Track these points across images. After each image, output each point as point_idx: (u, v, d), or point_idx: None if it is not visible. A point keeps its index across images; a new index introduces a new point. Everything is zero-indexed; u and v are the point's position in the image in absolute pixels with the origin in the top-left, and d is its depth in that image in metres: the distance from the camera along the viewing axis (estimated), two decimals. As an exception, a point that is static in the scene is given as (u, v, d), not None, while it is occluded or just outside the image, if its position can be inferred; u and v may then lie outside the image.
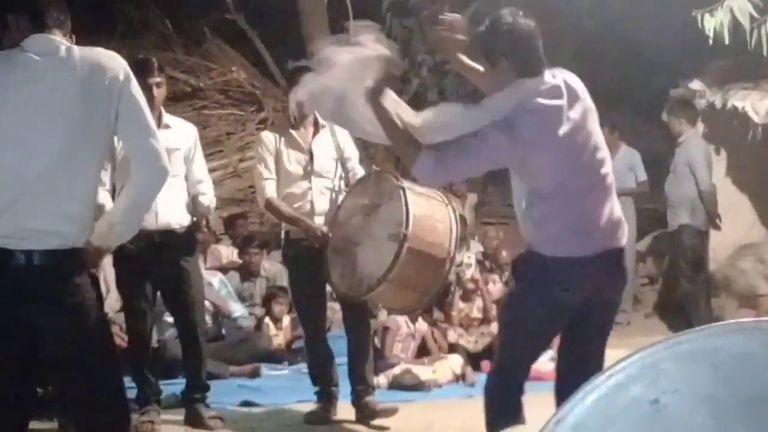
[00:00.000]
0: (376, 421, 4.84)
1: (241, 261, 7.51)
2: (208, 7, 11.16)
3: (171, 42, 11.34)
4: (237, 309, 6.94)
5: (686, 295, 7.34)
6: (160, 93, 4.66)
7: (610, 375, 1.26)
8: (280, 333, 7.06)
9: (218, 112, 10.62)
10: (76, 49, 2.77)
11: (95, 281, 2.88)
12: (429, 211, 4.38)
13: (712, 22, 5.07)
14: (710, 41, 5.15)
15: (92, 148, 2.76)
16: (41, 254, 2.66)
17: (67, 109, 2.71)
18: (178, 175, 4.67)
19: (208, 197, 4.84)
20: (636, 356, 1.27)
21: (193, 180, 4.78)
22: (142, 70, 4.27)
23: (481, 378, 6.26)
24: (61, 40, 2.78)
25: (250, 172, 10.22)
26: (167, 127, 4.69)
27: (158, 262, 4.63)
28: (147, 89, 4.24)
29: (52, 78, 2.73)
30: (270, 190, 4.80)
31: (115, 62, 2.79)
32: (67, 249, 2.70)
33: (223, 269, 7.36)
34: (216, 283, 6.79)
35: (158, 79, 4.65)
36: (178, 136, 4.74)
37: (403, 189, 4.30)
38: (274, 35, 11.07)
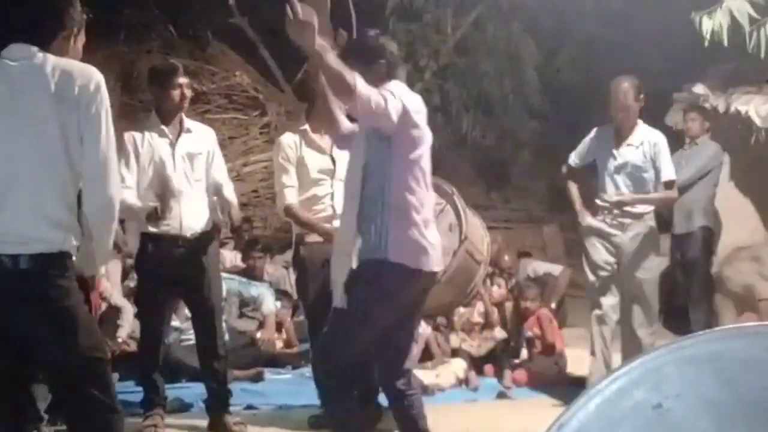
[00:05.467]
0: (381, 425, 4.84)
1: (244, 265, 7.52)
2: (212, 12, 11.19)
3: (174, 46, 11.37)
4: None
5: (695, 298, 7.31)
6: (188, 93, 4.77)
7: (614, 379, 1.27)
8: (281, 337, 7.08)
9: (221, 116, 10.64)
10: (52, 58, 2.79)
11: (83, 284, 2.90)
12: (470, 218, 4.67)
13: (710, 24, 5.06)
14: (706, 43, 5.14)
15: (68, 154, 2.76)
16: (28, 258, 2.69)
17: (39, 114, 2.74)
18: (201, 179, 4.69)
19: (230, 191, 4.84)
20: (639, 360, 1.27)
21: (215, 184, 4.78)
22: (169, 73, 4.64)
23: (484, 382, 6.29)
24: (38, 49, 2.79)
25: (253, 176, 10.25)
26: (188, 131, 4.73)
27: (181, 266, 4.63)
28: (176, 89, 4.62)
29: (24, 84, 2.76)
30: (290, 197, 4.79)
31: (87, 73, 2.79)
32: (53, 252, 2.73)
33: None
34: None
35: (185, 80, 4.73)
36: (199, 140, 4.76)
37: (457, 195, 4.54)
38: (278, 40, 11.09)
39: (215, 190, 4.73)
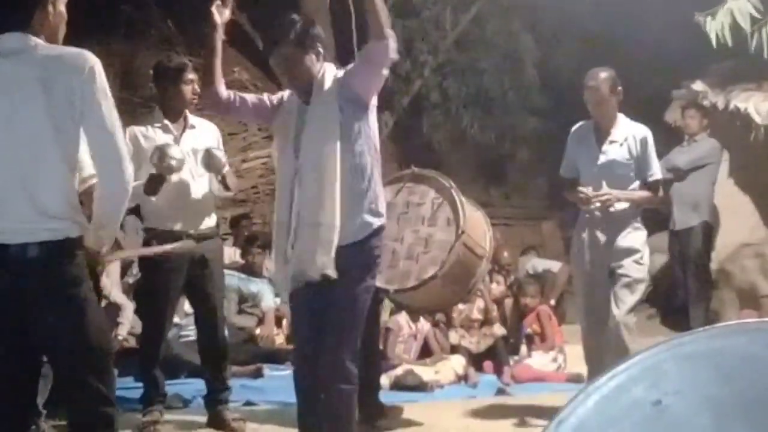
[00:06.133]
0: (380, 422, 4.85)
1: (243, 261, 7.52)
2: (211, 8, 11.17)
3: (173, 43, 11.35)
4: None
5: (694, 294, 7.32)
6: (198, 89, 4.72)
7: (612, 376, 1.27)
8: (281, 332, 7.08)
9: (221, 112, 10.63)
10: (43, 46, 2.76)
11: (93, 273, 2.90)
12: (470, 212, 4.58)
13: (714, 26, 5.05)
14: (713, 44, 5.12)
15: (61, 143, 2.75)
16: (35, 246, 2.69)
17: (29, 103, 2.72)
18: (204, 175, 4.68)
19: (224, 154, 4.75)
20: (638, 357, 1.27)
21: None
22: (180, 70, 4.61)
23: (483, 379, 6.29)
24: (30, 38, 2.77)
25: (252, 172, 10.25)
26: (192, 127, 4.72)
27: (184, 262, 4.62)
28: (188, 84, 4.60)
29: (14, 74, 2.74)
30: None
31: (79, 59, 2.74)
32: (59, 240, 2.72)
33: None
34: None
35: (194, 76, 4.70)
36: (203, 136, 4.75)
37: (455, 189, 4.53)
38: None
39: (205, 156, 4.62)
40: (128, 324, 6.47)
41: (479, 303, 6.87)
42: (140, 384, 4.83)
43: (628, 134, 4.81)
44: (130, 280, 6.91)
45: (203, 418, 4.82)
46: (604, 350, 4.69)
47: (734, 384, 1.21)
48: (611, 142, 4.81)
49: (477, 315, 6.86)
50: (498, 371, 6.38)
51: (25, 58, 2.74)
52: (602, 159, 4.81)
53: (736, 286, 7.90)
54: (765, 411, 1.19)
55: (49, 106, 2.71)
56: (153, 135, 4.59)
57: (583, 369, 6.13)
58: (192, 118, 4.77)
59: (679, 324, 7.24)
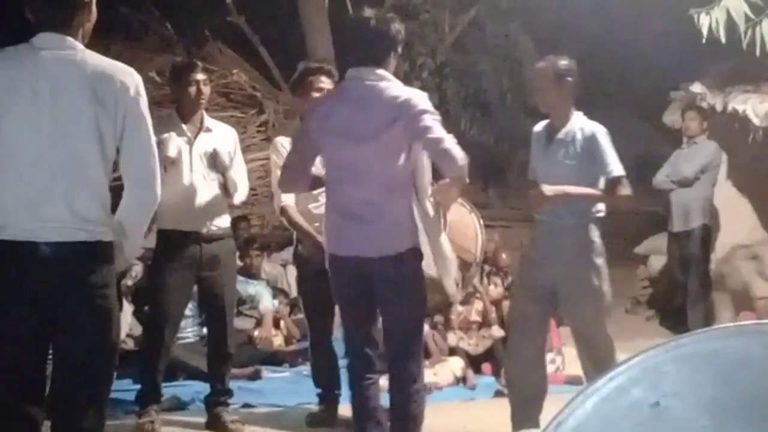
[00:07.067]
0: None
1: (241, 263, 7.51)
2: (210, 10, 11.18)
3: (172, 45, 11.36)
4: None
5: (693, 296, 7.33)
6: (206, 90, 4.75)
7: (611, 377, 1.27)
8: (279, 334, 7.08)
9: (219, 114, 10.59)
10: (90, 56, 2.78)
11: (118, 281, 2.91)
12: (458, 217, 4.53)
13: (708, 21, 5.07)
14: (704, 39, 5.14)
15: (101, 151, 2.75)
16: (67, 245, 2.68)
17: (76, 108, 2.72)
18: (216, 178, 4.67)
19: (243, 183, 4.82)
20: (637, 359, 1.27)
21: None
22: (185, 69, 4.70)
23: (482, 381, 6.29)
24: (73, 41, 2.77)
25: (251, 174, 10.20)
26: (209, 130, 4.72)
27: (196, 264, 4.63)
28: (192, 85, 4.64)
29: (62, 76, 2.73)
30: (285, 197, 4.77)
31: (127, 77, 2.78)
32: (92, 241, 2.71)
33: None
34: None
35: (203, 77, 4.73)
36: (218, 139, 4.74)
37: None
38: (275, 38, 11.09)
39: (211, 155, 4.65)
40: (126, 327, 6.46)
41: (477, 305, 6.86)
42: (137, 386, 4.82)
43: (576, 132, 4.18)
44: (129, 282, 6.91)
45: (201, 420, 4.81)
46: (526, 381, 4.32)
47: (733, 385, 1.21)
48: (558, 141, 4.21)
49: (475, 317, 6.85)
50: (496, 373, 6.36)
51: (74, 64, 2.74)
52: (550, 159, 4.25)
53: (730, 287, 7.90)
54: (763, 412, 1.19)
55: (96, 115, 2.72)
56: (167, 137, 4.58)
57: (581, 371, 6.14)
58: (208, 121, 4.77)
59: (678, 326, 7.25)
